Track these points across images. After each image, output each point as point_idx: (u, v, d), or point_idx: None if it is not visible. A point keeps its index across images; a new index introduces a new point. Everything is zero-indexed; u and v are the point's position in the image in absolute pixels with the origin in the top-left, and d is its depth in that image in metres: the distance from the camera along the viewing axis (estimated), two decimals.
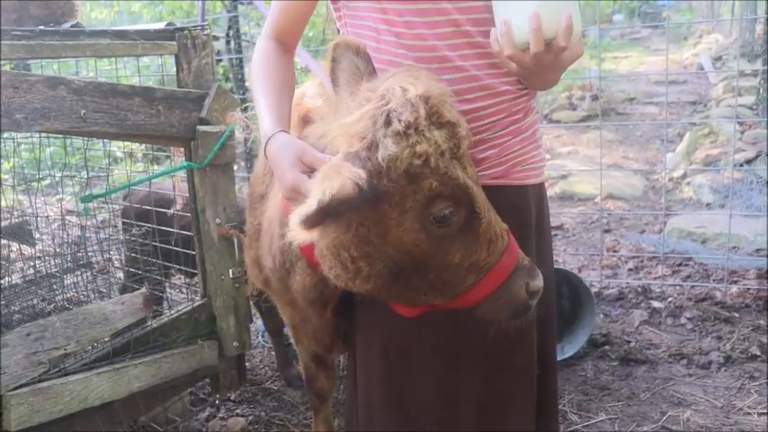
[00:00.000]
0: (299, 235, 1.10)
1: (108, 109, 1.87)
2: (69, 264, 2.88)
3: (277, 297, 1.87)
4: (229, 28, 4.38)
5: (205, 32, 2.17)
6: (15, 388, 1.72)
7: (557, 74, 1.44)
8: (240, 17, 4.45)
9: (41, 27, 1.82)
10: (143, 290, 2.10)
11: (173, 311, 2.20)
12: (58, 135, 2.36)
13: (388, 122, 1.15)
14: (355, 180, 1.08)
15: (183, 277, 2.79)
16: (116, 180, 4.81)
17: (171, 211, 2.55)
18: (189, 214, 2.30)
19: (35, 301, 2.72)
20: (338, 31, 1.63)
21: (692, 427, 2.40)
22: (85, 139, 2.41)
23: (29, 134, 2.58)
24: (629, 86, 10.15)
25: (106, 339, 2.02)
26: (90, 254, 2.95)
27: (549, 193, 5.45)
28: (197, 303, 2.23)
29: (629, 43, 17.99)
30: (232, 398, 2.79)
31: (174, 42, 2.10)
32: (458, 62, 1.42)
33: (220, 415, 2.69)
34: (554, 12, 1.26)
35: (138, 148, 4.36)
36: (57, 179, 2.75)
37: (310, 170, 1.21)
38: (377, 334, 1.54)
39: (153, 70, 3.84)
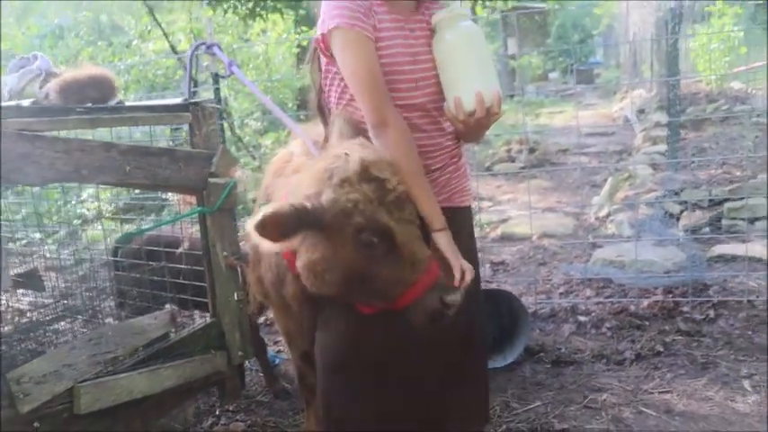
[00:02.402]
0: (254, 237, 1.71)
1: (144, 166, 2.43)
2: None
3: (275, 306, 2.43)
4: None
5: (212, 106, 2.77)
6: (81, 381, 2.22)
7: (485, 131, 2.10)
8: (222, 88, 5.07)
9: (97, 105, 2.40)
10: (170, 308, 2.63)
11: (190, 328, 2.73)
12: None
13: (330, 177, 1.77)
14: (293, 205, 1.70)
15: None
16: (91, 237, 5.37)
17: (179, 250, 3.09)
18: (198, 251, 2.86)
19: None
20: (320, 85, 2.23)
21: (607, 405, 3.01)
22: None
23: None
24: (563, 139, 11.04)
25: (141, 349, 2.53)
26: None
27: (492, 235, 6.14)
28: (209, 321, 2.76)
29: (563, 99, 19.12)
30: (231, 408, 3.28)
31: (189, 113, 2.69)
32: (424, 131, 2.08)
33: (222, 422, 3.18)
34: (489, 89, 1.93)
35: (107, 209, 4.94)
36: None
37: None
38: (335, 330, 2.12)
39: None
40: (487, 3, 7.13)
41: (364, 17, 1.97)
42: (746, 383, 3.10)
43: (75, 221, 5.81)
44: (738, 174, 5.86)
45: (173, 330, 2.64)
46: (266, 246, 1.75)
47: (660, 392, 3.09)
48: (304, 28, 8.73)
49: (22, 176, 2.06)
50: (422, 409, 2.13)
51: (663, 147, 7.00)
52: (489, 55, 2.07)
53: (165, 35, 7.95)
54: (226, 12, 7.08)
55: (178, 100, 2.74)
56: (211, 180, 2.67)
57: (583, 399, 3.09)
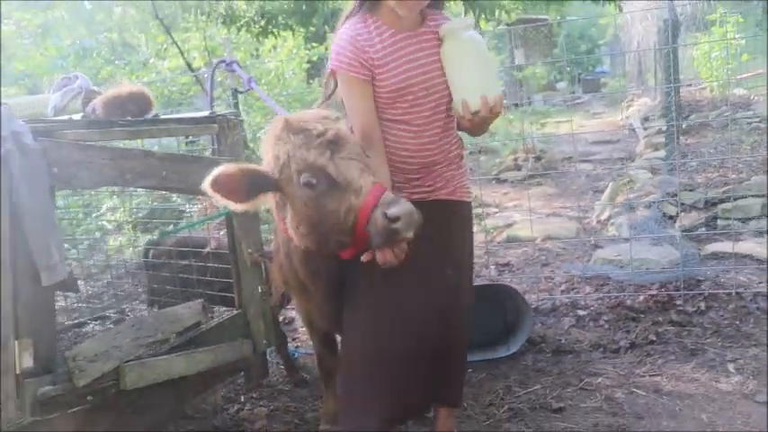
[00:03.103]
0: (212, 196, 2.04)
1: (178, 172, 2.73)
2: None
3: (294, 290, 2.70)
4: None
5: (236, 118, 3.07)
6: (127, 361, 2.51)
7: (488, 127, 2.41)
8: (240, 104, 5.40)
9: (136, 118, 2.70)
10: (201, 300, 2.92)
11: (219, 318, 3.02)
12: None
13: (272, 142, 2.12)
14: (240, 166, 2.06)
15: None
16: (111, 246, 5.72)
17: (206, 249, 3.39)
18: (224, 251, 3.16)
19: None
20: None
21: (601, 387, 3.26)
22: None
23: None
24: (569, 147, 11.28)
25: (175, 336, 2.81)
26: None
27: (498, 238, 6.40)
28: (235, 312, 3.05)
29: (570, 108, 19.32)
30: (254, 396, 3.56)
31: (216, 125, 2.99)
32: (437, 136, 2.41)
33: (247, 408, 3.45)
34: (491, 91, 2.23)
35: (125, 219, 5.29)
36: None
37: None
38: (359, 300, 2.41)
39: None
40: (490, 17, 7.36)
41: (361, 58, 2.30)
42: (731, 366, 3.35)
43: (96, 233, 6.12)
44: (734, 176, 6.12)
45: (204, 320, 2.91)
46: (231, 205, 2.08)
47: (651, 376, 3.34)
48: (314, 44, 9.06)
49: (77, 180, 2.37)
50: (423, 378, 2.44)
51: (663, 152, 7.26)
52: (491, 60, 2.38)
53: (182, 53, 8.29)
54: (239, 30, 7.39)
55: (205, 113, 3.04)
56: None
57: (579, 382, 3.34)
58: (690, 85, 11.94)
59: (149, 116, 2.77)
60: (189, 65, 8.52)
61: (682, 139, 8.06)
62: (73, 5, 8.75)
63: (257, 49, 10.77)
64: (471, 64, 2.30)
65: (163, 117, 2.91)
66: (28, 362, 2.24)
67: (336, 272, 2.39)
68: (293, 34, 7.89)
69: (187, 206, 5.86)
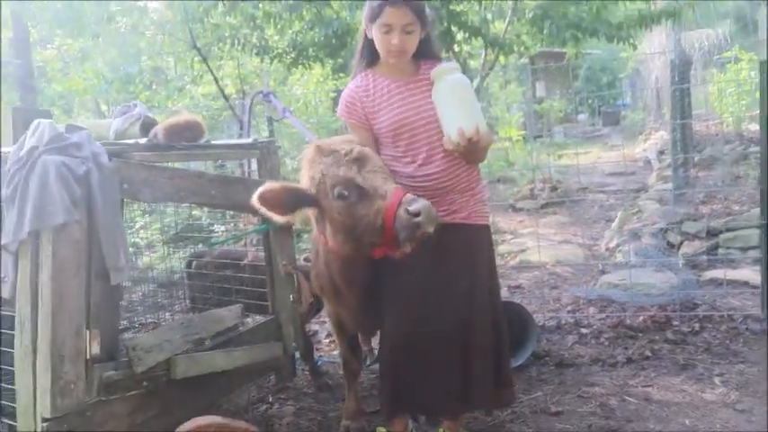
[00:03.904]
0: (257, 206, 2.45)
1: (224, 191, 3.13)
2: None
3: (328, 296, 3.06)
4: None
5: (275, 144, 3.48)
6: (176, 355, 2.88)
7: (481, 154, 2.78)
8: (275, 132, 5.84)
9: (191, 143, 3.11)
10: (240, 305, 3.30)
11: (255, 322, 3.40)
12: None
13: (306, 165, 2.54)
14: (284, 185, 2.46)
15: None
16: (144, 260, 6.18)
17: (244, 261, 3.78)
18: (260, 263, 3.54)
19: None
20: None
21: (596, 395, 3.59)
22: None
23: None
24: (585, 178, 11.63)
25: (211, 336, 3.19)
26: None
27: (511, 263, 6.74)
28: (269, 317, 3.43)
29: (589, 140, 19.64)
30: (282, 396, 3.92)
31: (258, 150, 3.40)
32: (444, 166, 2.75)
33: (275, 407, 3.81)
34: (469, 124, 2.59)
35: (156, 238, 5.72)
36: None
37: None
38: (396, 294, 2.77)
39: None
40: (510, 53, 7.76)
41: (356, 107, 2.81)
42: (717, 380, 3.66)
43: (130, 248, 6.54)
44: (737, 208, 6.43)
45: (241, 322, 3.29)
46: (274, 217, 2.51)
47: (643, 386, 3.66)
48: (341, 74, 9.52)
49: (141, 195, 2.77)
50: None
51: (671, 184, 7.59)
52: (472, 98, 2.70)
53: (216, 81, 8.76)
54: (272, 60, 7.86)
55: (248, 140, 3.45)
56: None
57: (577, 390, 3.67)
58: (707, 120, 12.26)
59: (202, 141, 3.17)
60: (222, 92, 9.00)
61: (693, 172, 8.39)
62: (114, 32, 9.27)
63: (286, 78, 11.31)
64: (452, 102, 2.67)
65: (213, 143, 3.32)
66: (96, 349, 2.61)
67: (369, 280, 2.77)
68: (322, 65, 8.33)
69: (215, 225, 6.30)
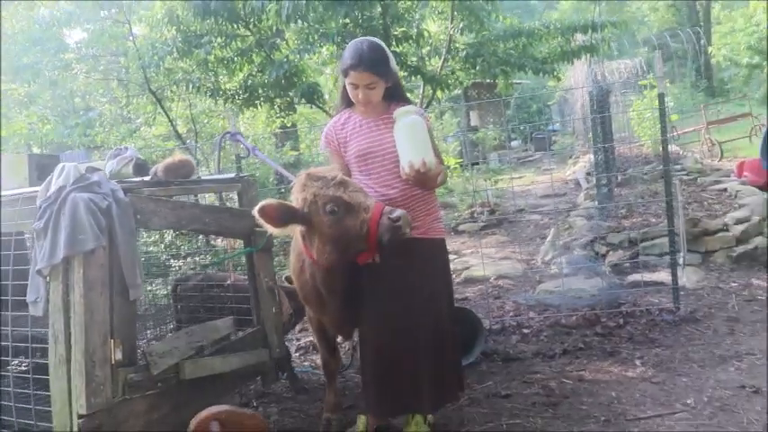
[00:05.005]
0: (260, 220, 2.94)
1: (216, 219, 3.66)
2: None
3: (312, 305, 3.59)
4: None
5: (253, 179, 4.02)
6: (183, 359, 3.37)
7: (431, 183, 3.30)
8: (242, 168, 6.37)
9: (185, 179, 3.63)
10: (231, 317, 3.81)
11: (244, 332, 3.90)
12: None
13: (299, 190, 3.07)
14: (280, 202, 3.00)
15: None
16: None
17: (227, 282, 4.28)
18: (241, 282, 4.06)
19: None
20: None
21: (538, 379, 4.21)
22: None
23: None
24: (521, 201, 12.43)
25: (213, 344, 3.68)
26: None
27: (457, 279, 7.37)
28: (255, 328, 3.94)
29: (523, 165, 20.60)
30: (265, 400, 4.40)
31: (240, 184, 3.93)
32: (402, 190, 3.32)
33: (260, 409, 4.29)
34: (417, 159, 3.12)
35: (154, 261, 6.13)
36: None
37: None
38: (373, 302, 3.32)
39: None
40: (445, 88, 8.43)
41: (332, 137, 3.42)
42: (638, 362, 4.34)
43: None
44: (654, 220, 7.24)
45: (233, 332, 3.80)
46: (270, 228, 3.00)
47: (577, 371, 4.30)
48: (289, 112, 10.07)
49: (151, 224, 3.28)
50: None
51: (596, 202, 8.40)
52: (424, 136, 3.22)
53: (171, 122, 9.21)
54: (225, 102, 8.34)
55: (231, 175, 3.99)
56: (256, 229, 3.89)
57: (522, 378, 4.29)
58: (630, 142, 13.28)
59: (194, 177, 3.70)
60: (177, 132, 9.46)
61: (616, 190, 9.25)
62: (69, 78, 9.66)
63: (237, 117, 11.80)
64: (406, 139, 3.20)
65: (204, 178, 3.85)
66: (119, 355, 3.09)
67: (347, 289, 3.29)
68: (271, 105, 8.84)
69: (172, 261, 6.77)
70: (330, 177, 3.04)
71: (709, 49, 24.63)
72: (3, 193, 3.47)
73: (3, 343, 3.44)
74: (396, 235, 2.86)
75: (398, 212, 2.87)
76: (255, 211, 2.93)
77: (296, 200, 3.06)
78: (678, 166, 10.94)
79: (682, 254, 6.03)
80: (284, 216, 2.98)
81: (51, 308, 3.02)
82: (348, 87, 3.28)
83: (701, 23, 30.53)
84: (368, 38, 3.36)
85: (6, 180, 3.69)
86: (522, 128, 25.14)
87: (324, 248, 3.03)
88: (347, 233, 2.94)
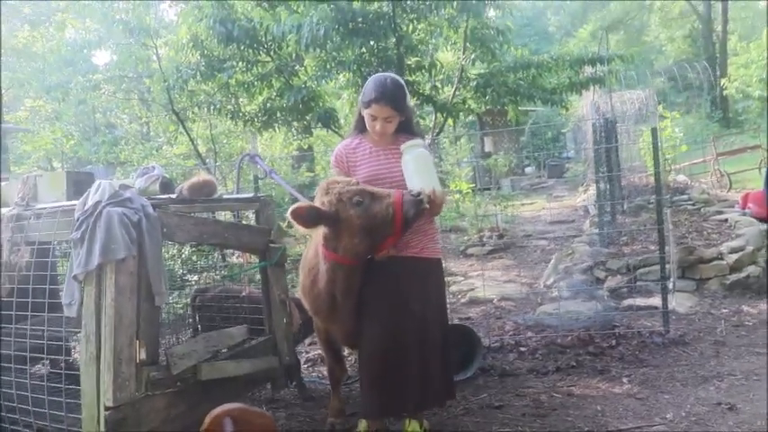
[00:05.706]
0: (290, 218, 3.28)
1: (235, 234, 3.99)
2: None
3: (322, 315, 3.88)
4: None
5: (270, 198, 4.36)
6: (200, 362, 3.68)
7: (435, 210, 3.60)
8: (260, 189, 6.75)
9: (208, 197, 3.98)
10: (245, 325, 4.13)
11: (257, 340, 4.22)
12: None
13: (323, 193, 3.39)
14: (310, 205, 3.33)
15: None
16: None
17: (243, 293, 4.61)
18: (256, 294, 4.39)
19: None
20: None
21: (530, 393, 4.48)
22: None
23: None
24: (530, 227, 12.73)
25: (226, 350, 4.00)
26: None
27: (462, 300, 7.66)
28: (267, 336, 4.26)
29: (535, 191, 20.86)
30: (274, 406, 4.70)
31: (258, 203, 4.28)
32: None
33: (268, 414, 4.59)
34: (425, 189, 3.43)
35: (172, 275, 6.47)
36: None
37: None
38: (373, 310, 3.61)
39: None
40: (454, 116, 8.76)
41: (341, 160, 3.69)
42: (625, 380, 4.61)
43: None
44: (653, 247, 7.51)
45: (246, 339, 4.12)
46: (300, 229, 3.34)
47: (567, 386, 4.58)
48: (306, 135, 10.46)
49: (176, 237, 3.63)
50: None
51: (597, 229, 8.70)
52: (430, 168, 3.56)
53: (192, 142, 9.62)
54: (245, 124, 8.73)
55: (249, 195, 4.34)
56: (271, 245, 4.22)
57: (515, 391, 4.57)
58: (641, 172, 13.55)
59: (216, 196, 4.04)
60: (198, 152, 9.86)
61: (620, 218, 9.54)
62: (98, 97, 10.12)
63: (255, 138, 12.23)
64: (414, 170, 3.50)
65: (225, 197, 4.20)
66: (143, 355, 3.42)
67: (360, 292, 3.57)
68: (289, 128, 9.23)
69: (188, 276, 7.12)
70: (349, 180, 3.39)
71: (722, 81, 24.82)
72: (44, 206, 3.82)
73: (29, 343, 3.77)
74: (419, 208, 3.19)
75: (418, 189, 3.23)
76: (288, 213, 3.24)
77: (321, 203, 3.35)
78: (685, 196, 11.20)
79: (672, 279, 6.29)
80: (314, 217, 3.29)
81: (85, 310, 3.35)
82: (366, 118, 3.61)
83: (718, 55, 30.81)
84: (390, 74, 3.71)
85: (46, 194, 4.04)
86: (536, 155, 25.43)
87: (353, 241, 3.32)
88: (375, 219, 3.26)
